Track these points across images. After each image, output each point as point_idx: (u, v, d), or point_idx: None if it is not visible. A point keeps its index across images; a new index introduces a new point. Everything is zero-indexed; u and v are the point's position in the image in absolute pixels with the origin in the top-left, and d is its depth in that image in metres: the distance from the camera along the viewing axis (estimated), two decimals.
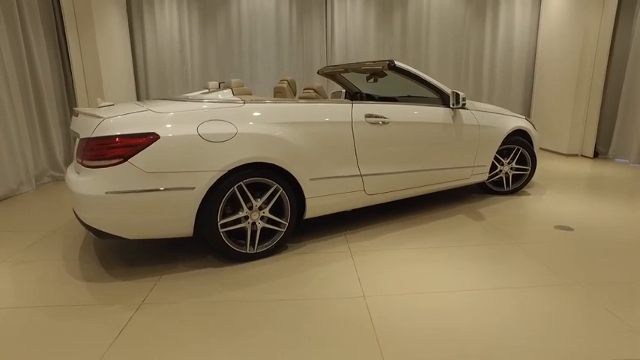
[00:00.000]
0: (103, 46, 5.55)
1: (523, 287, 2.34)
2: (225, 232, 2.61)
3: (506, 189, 4.22)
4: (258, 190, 2.72)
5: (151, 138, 2.35)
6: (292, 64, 6.90)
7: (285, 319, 2.06)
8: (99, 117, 2.39)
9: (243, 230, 2.70)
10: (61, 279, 2.50)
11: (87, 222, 2.39)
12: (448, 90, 3.57)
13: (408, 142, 3.28)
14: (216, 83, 3.18)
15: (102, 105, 2.82)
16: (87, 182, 2.33)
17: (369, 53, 6.94)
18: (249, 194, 2.63)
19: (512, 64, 7.15)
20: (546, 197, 4.15)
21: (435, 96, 3.61)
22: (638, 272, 2.51)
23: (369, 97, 4.49)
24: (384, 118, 3.15)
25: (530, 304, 2.16)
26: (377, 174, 3.17)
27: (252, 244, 2.73)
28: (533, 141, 4.27)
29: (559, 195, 4.22)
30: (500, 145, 4.03)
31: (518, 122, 4.11)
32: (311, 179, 2.84)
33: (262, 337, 1.91)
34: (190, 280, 2.50)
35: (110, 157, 2.31)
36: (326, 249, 2.93)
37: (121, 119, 2.38)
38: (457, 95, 3.46)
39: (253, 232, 2.72)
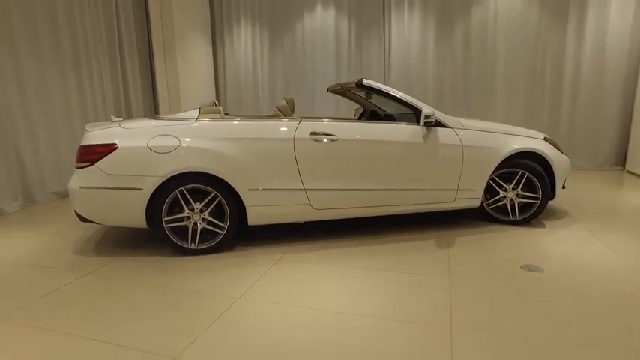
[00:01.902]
0: (184, 68, 6.76)
1: (394, 320, 2.24)
2: (170, 227, 3.13)
3: (512, 218, 3.73)
4: (205, 195, 3.16)
5: (111, 148, 3.03)
6: (351, 79, 7.13)
7: (166, 302, 2.45)
8: (87, 131, 3.18)
9: (186, 228, 3.17)
10: (62, 249, 3.38)
11: (74, 208, 3.20)
12: (424, 106, 3.42)
13: (360, 160, 3.29)
14: (212, 101, 3.72)
15: (114, 120, 3.66)
16: (73, 179, 3.13)
17: (428, 68, 6.71)
18: (189, 198, 3.10)
19: (605, 74, 5.99)
20: (560, 232, 3.53)
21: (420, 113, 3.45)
22: (559, 328, 2.11)
23: (374, 114, 4.50)
24: (332, 135, 3.25)
25: (377, 336, 2.09)
26: (324, 189, 3.27)
27: (194, 241, 3.18)
28: (553, 166, 3.67)
29: (584, 232, 3.53)
30: (500, 168, 3.61)
31: (526, 143, 3.61)
32: (249, 190, 3.15)
33: (135, 312, 2.34)
34: (139, 263, 3.09)
35: (85, 161, 3.06)
36: (262, 255, 3.19)
37: (96, 133, 3.12)
38: (420, 112, 3.31)
39: (194, 231, 3.17)
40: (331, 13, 7.06)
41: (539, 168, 3.62)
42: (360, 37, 7.02)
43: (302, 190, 3.25)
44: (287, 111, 3.60)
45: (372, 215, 3.50)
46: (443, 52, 6.64)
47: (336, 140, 3.25)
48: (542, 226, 3.72)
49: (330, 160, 3.26)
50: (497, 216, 3.78)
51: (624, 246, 3.21)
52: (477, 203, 3.63)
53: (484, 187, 3.59)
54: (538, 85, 6.34)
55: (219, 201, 3.15)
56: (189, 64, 6.90)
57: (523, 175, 3.63)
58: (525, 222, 3.74)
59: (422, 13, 6.63)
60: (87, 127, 3.28)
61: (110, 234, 3.75)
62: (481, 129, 3.58)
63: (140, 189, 3.02)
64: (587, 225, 3.72)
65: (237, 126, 3.19)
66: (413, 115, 3.79)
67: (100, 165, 3.02)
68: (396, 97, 3.46)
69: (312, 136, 3.23)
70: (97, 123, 3.51)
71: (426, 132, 3.42)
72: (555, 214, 4.06)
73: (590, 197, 4.70)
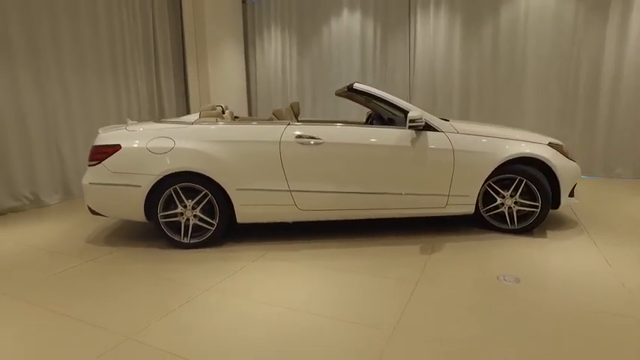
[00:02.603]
0: (215, 74, 7.16)
1: (343, 321, 2.29)
2: (165, 222, 3.40)
3: (510, 227, 3.57)
4: (197, 194, 3.39)
5: (116, 148, 3.36)
6: (375, 82, 7.14)
7: (144, 288, 2.69)
8: (99, 133, 3.55)
9: (179, 223, 3.42)
10: (79, 237, 3.79)
11: (86, 202, 3.58)
12: (412, 109, 3.40)
13: (345, 163, 3.35)
14: (213, 105, 3.97)
15: (130, 123, 4.03)
16: (85, 176, 3.50)
17: (454, 69, 6.52)
18: (182, 196, 3.35)
19: None
20: (560, 243, 3.33)
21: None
22: (509, 341, 2.05)
23: (380, 117, 4.50)
24: (318, 139, 3.33)
25: (320, 334, 2.16)
26: (309, 191, 3.37)
27: (186, 235, 3.43)
28: (557, 173, 3.46)
29: (587, 244, 3.30)
30: (497, 174, 3.48)
31: (524, 148, 3.44)
32: (237, 189, 3.34)
33: (114, 295, 2.61)
34: (139, 253, 3.39)
35: (94, 160, 3.42)
36: (247, 251, 3.35)
37: (105, 135, 3.47)
38: (406, 116, 3.29)
39: (187, 227, 3.42)
40: (357, 16, 7.11)
41: (537, 174, 3.43)
42: (386, 39, 7.00)
43: (288, 191, 3.37)
44: (282, 115, 3.74)
45: (360, 218, 3.53)
46: (470, 53, 6.42)
47: (320, 143, 3.34)
48: (544, 235, 3.53)
49: (314, 163, 3.35)
50: (495, 224, 3.64)
51: (625, 261, 2.96)
52: (470, 210, 3.52)
53: (478, 193, 3.48)
54: (572, 87, 5.92)
55: (209, 199, 3.36)
56: (221, 69, 7.30)
57: (521, 181, 3.47)
58: (525, 231, 3.56)
59: (448, 13, 6.47)
60: (100, 129, 3.65)
61: (124, 227, 4.12)
62: (475, 133, 3.47)
63: (139, 186, 3.32)
64: (594, 237, 3.46)
65: (227, 129, 3.39)
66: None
67: (106, 163, 3.36)
68: (384, 99, 3.48)
69: (298, 139, 3.34)
70: (110, 126, 3.88)
71: (414, 135, 3.39)
72: (564, 224, 3.81)
73: (613, 207, 4.33)
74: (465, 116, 6.56)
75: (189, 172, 3.31)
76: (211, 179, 3.32)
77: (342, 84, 7.36)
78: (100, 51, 5.62)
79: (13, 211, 4.75)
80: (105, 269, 3.07)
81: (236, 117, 4.43)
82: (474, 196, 3.48)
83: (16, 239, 3.81)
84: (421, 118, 3.30)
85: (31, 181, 4.93)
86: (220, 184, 3.32)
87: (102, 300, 2.57)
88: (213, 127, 3.41)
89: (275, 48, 7.89)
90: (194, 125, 3.43)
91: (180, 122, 3.51)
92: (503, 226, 3.61)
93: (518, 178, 3.47)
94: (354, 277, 2.83)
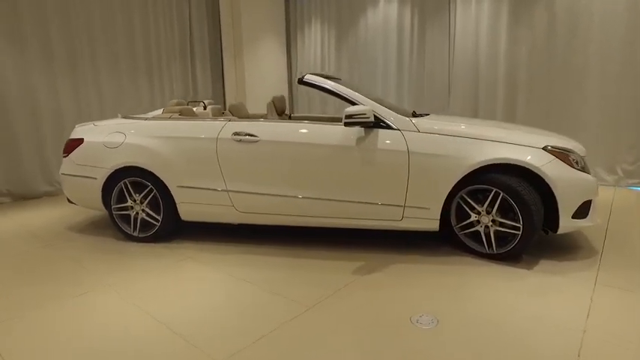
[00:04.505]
0: (251, 69, 7.24)
1: (187, 342, 2.05)
2: (118, 215, 3.48)
3: (488, 250, 2.84)
4: (145, 188, 3.39)
5: (80, 142, 3.54)
6: (412, 74, 6.48)
7: (65, 275, 2.78)
8: (75, 127, 3.79)
9: (129, 216, 3.47)
10: (63, 223, 4.11)
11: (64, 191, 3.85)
12: (362, 102, 2.92)
13: (282, 163, 3.02)
14: (179, 100, 3.96)
15: (119, 117, 4.24)
16: (61, 166, 3.77)
17: (499, 61, 5.54)
18: (130, 190, 3.39)
19: None
20: (544, 279, 2.53)
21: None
22: None
23: None
24: (254, 136, 3.06)
25: (157, 352, 1.95)
26: (246, 192, 3.13)
27: (135, 229, 3.46)
28: (553, 186, 2.64)
29: (583, 284, 2.46)
30: (468, 184, 2.79)
31: (501, 153, 2.69)
32: (178, 186, 3.25)
33: (33, 279, 2.75)
34: (97, 242, 3.53)
35: (66, 152, 3.65)
36: (183, 250, 3.25)
37: (79, 128, 3.69)
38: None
39: (135, 220, 3.45)
40: (394, 4, 6.51)
41: (519, 186, 2.65)
42: (424, 28, 6.28)
43: (225, 191, 3.17)
44: (238, 111, 3.55)
45: (303, 225, 3.17)
46: (518, 40, 5.38)
47: (256, 141, 3.06)
48: (531, 265, 2.73)
49: (250, 162, 3.09)
50: (470, 244, 2.94)
51: (613, 314, 2.11)
52: (433, 225, 2.89)
53: (442, 206, 2.84)
54: None
55: (155, 195, 3.34)
56: (258, 66, 7.35)
57: (498, 194, 2.72)
58: (508, 257, 2.79)
59: None
60: (77, 125, 3.89)
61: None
62: (443, 132, 2.83)
63: (95, 178, 3.45)
64: (603, 274, 2.56)
65: (171, 125, 3.32)
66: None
67: (72, 156, 3.57)
68: (342, 95, 3.03)
69: (235, 137, 3.12)
70: (87, 122, 4.10)
71: (362, 134, 2.90)
72: (577, 252, 2.92)
73: None
74: (511, 111, 5.55)
75: (135, 167, 3.33)
76: (155, 175, 3.29)
77: (379, 76, 6.84)
78: (135, 49, 6.05)
79: (48, 195, 5.40)
80: (52, 255, 3.25)
81: (223, 113, 4.35)
82: (437, 209, 2.85)
83: (21, 221, 4.28)
84: (364, 114, 2.80)
85: None
86: (163, 180, 3.27)
87: (17, 283, 2.71)
88: (159, 122, 3.38)
89: (314, 43, 7.68)
90: (146, 121, 3.44)
91: (140, 118, 3.55)
92: (479, 249, 2.90)
93: (494, 190, 2.73)
94: (252, 291, 2.52)
